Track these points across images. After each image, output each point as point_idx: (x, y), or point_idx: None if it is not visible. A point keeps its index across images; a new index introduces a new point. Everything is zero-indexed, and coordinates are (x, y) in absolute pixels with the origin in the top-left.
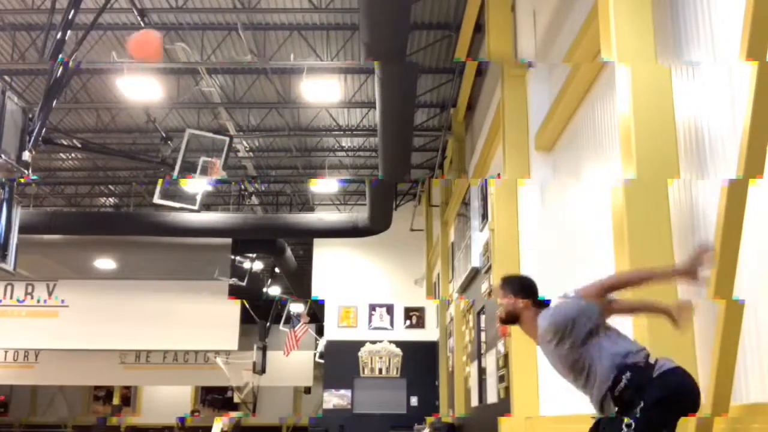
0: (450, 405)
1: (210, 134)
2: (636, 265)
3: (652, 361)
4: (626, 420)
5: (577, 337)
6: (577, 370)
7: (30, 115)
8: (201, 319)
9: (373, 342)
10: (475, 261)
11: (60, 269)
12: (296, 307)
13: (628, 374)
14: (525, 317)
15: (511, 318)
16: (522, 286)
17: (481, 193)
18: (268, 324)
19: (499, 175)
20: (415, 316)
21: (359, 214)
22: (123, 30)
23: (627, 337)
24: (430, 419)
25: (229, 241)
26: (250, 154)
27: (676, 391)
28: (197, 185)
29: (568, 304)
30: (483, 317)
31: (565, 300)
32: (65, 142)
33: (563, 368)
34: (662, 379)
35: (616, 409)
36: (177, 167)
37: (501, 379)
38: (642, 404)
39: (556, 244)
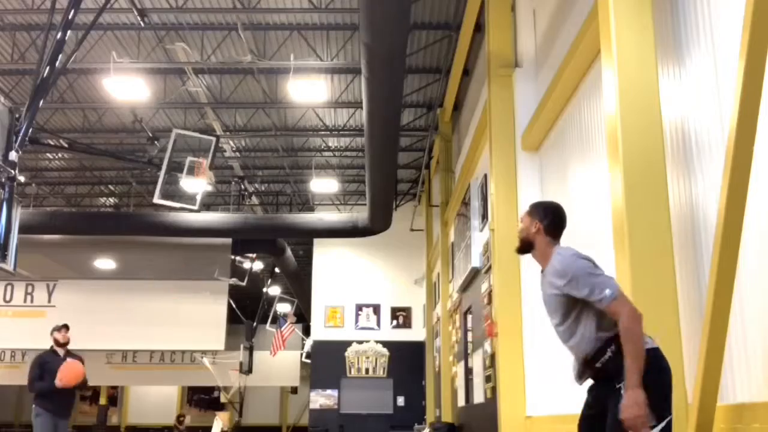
0: (437, 405)
1: (197, 134)
2: (635, 265)
3: None
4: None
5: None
6: (566, 317)
7: (16, 115)
8: (188, 320)
9: (360, 342)
10: (475, 261)
11: (59, 269)
12: (283, 307)
13: (613, 347)
14: (539, 243)
15: (525, 244)
16: (545, 211)
17: (481, 192)
18: (254, 324)
19: (485, 175)
20: (401, 316)
21: (359, 214)
22: (123, 30)
23: None
24: (430, 419)
25: (229, 241)
26: (237, 154)
27: (658, 371)
28: (197, 185)
29: (597, 274)
30: (470, 317)
31: (593, 268)
32: (52, 142)
33: (554, 309)
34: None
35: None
36: (164, 167)
37: (488, 378)
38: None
39: None
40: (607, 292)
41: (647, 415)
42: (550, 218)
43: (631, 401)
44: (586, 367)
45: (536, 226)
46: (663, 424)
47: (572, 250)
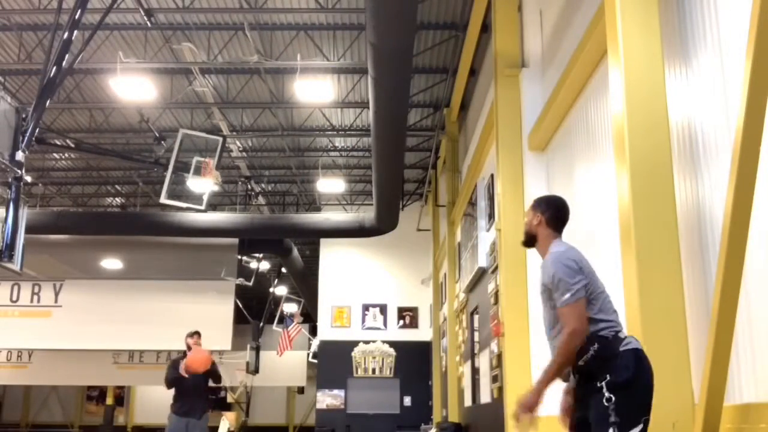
0: (443, 405)
1: (203, 134)
2: (642, 265)
3: (621, 335)
4: (606, 394)
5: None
6: (553, 322)
7: (23, 115)
8: (194, 319)
9: (367, 342)
10: (482, 261)
11: (66, 269)
12: (289, 307)
13: (595, 345)
14: (540, 235)
15: (529, 237)
16: (548, 204)
17: (488, 192)
18: (261, 324)
19: (492, 175)
20: (408, 316)
21: (366, 214)
22: (130, 30)
23: (609, 308)
24: (437, 419)
25: (235, 241)
26: (244, 154)
27: (641, 372)
28: (203, 185)
29: (573, 279)
30: (476, 317)
31: (574, 273)
32: (58, 142)
33: (546, 315)
34: (628, 357)
35: (577, 376)
36: (170, 167)
37: (494, 379)
38: (608, 378)
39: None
40: (566, 296)
41: (524, 411)
42: (552, 211)
43: (528, 395)
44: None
45: (538, 219)
46: (641, 426)
47: (564, 248)
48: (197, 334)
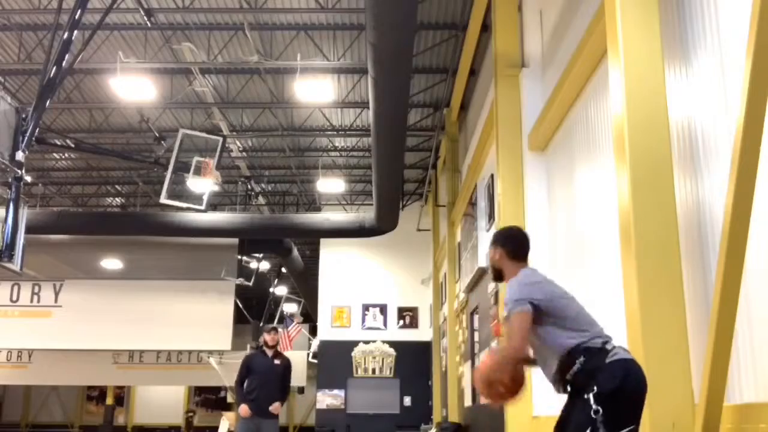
0: (443, 405)
1: (203, 134)
2: (642, 266)
3: (608, 347)
4: (594, 407)
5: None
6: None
7: (23, 115)
8: (195, 319)
9: (367, 342)
10: (482, 261)
11: (66, 269)
12: (289, 307)
13: (581, 358)
14: (505, 269)
15: (496, 273)
16: (505, 239)
17: (488, 193)
18: (261, 324)
19: (492, 175)
20: (408, 316)
21: (366, 214)
22: (130, 30)
23: (586, 320)
24: (437, 419)
25: (235, 241)
26: (244, 154)
27: (629, 382)
28: (204, 185)
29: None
30: (476, 317)
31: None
32: (58, 142)
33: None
34: (615, 368)
35: (568, 390)
36: (170, 167)
37: None
38: (595, 390)
39: (563, 244)
40: (512, 308)
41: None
42: (510, 245)
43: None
44: (558, 380)
45: (499, 253)
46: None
47: (525, 274)
48: (274, 329)
